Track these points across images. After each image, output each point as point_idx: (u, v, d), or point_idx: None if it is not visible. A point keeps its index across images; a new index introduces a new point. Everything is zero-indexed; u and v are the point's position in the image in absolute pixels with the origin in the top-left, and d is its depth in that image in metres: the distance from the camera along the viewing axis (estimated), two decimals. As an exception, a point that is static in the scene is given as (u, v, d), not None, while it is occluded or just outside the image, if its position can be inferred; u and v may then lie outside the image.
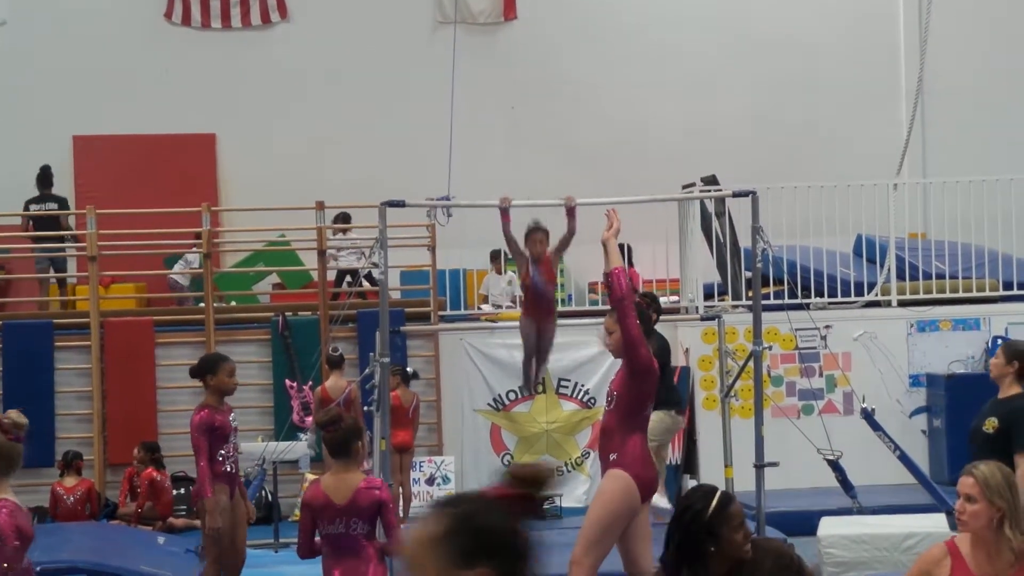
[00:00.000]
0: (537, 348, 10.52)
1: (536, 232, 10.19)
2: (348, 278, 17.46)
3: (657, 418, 8.57)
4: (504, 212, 10.73)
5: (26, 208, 17.40)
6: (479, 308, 17.60)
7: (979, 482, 5.64)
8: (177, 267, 17.70)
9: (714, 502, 5.16)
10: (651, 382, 8.25)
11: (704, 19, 19.72)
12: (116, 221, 16.97)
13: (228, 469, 9.91)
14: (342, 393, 13.57)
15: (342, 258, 17.31)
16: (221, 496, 9.82)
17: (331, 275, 17.12)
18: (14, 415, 7.10)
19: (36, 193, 17.59)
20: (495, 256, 17.57)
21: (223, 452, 9.84)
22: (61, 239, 17.43)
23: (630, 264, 17.48)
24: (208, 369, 10.03)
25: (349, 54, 19.54)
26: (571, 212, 10.49)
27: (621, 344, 8.14)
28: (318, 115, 19.41)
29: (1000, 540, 5.63)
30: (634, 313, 8.11)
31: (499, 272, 17.73)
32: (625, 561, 8.29)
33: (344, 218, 17.48)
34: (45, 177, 17.70)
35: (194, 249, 16.83)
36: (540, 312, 10.37)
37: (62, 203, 17.41)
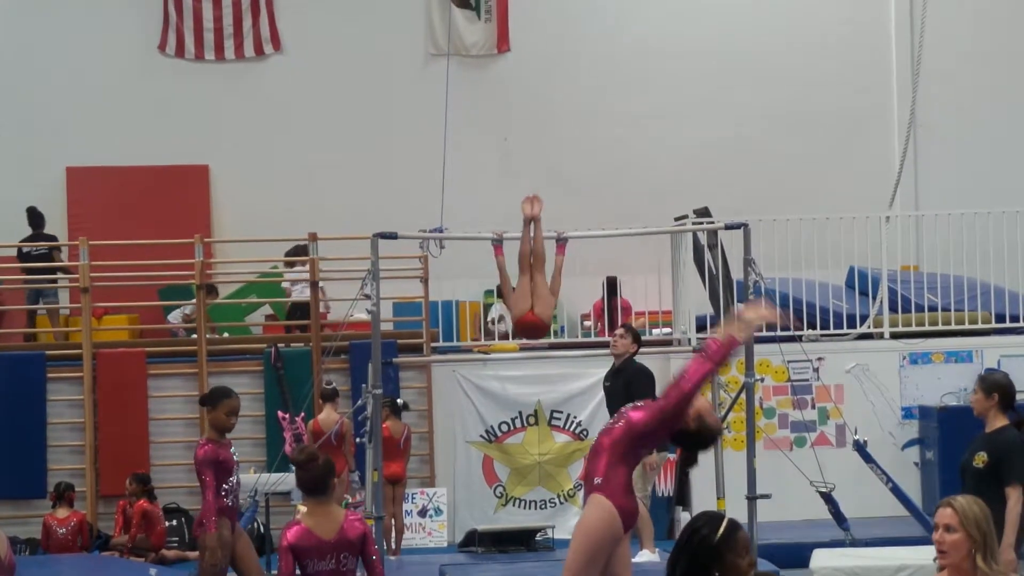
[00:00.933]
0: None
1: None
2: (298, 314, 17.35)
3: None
4: (497, 245, 10.81)
5: (19, 249, 17.44)
6: (472, 337, 17.60)
7: (957, 512, 5.68)
8: (173, 316, 17.72)
9: (722, 527, 5.18)
10: (669, 432, 8.18)
11: (696, 51, 19.73)
12: (109, 252, 16.98)
13: (230, 503, 9.88)
14: (334, 426, 13.58)
15: (296, 292, 17.18)
16: (224, 531, 9.77)
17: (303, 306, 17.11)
18: None
19: (29, 231, 17.66)
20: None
21: (226, 486, 9.81)
22: (52, 272, 17.43)
23: (616, 295, 17.45)
24: (212, 400, 9.98)
25: (342, 86, 19.55)
26: (561, 245, 10.59)
27: (671, 399, 7.79)
28: (311, 147, 19.40)
29: (975, 572, 5.65)
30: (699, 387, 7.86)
31: None
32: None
33: (299, 251, 17.18)
34: (34, 217, 17.72)
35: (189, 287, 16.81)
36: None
37: (53, 248, 17.37)
